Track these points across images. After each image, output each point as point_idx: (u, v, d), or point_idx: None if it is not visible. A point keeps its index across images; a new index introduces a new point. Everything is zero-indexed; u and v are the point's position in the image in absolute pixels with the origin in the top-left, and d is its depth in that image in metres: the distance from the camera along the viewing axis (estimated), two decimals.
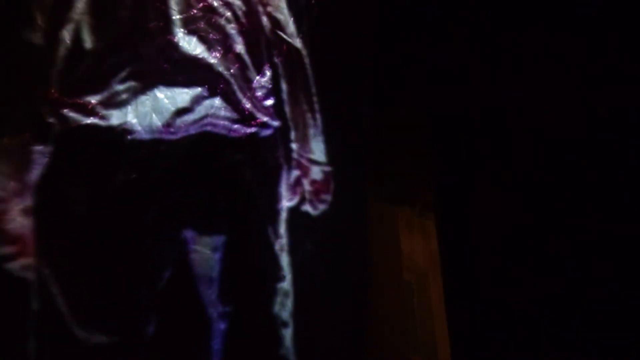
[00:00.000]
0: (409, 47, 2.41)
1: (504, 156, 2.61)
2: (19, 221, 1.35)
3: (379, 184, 2.35)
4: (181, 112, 1.41)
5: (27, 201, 1.36)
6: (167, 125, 1.39)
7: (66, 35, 1.39)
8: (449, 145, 2.68)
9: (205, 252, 1.50)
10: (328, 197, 1.68)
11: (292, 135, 1.63)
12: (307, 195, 1.64)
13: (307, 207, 1.64)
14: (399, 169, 2.49)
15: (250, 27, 1.55)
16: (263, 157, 1.54)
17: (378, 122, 2.27)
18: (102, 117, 1.38)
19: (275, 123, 1.57)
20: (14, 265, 1.34)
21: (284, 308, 1.56)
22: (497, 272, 2.49)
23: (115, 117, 1.39)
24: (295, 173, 1.62)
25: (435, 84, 2.56)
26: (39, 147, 1.37)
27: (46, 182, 1.37)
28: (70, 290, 1.38)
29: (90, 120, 1.38)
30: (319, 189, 1.67)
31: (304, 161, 1.64)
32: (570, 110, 2.42)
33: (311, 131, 1.65)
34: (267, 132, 1.54)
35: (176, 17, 1.45)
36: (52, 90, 1.38)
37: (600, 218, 2.36)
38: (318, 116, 1.66)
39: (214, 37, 1.48)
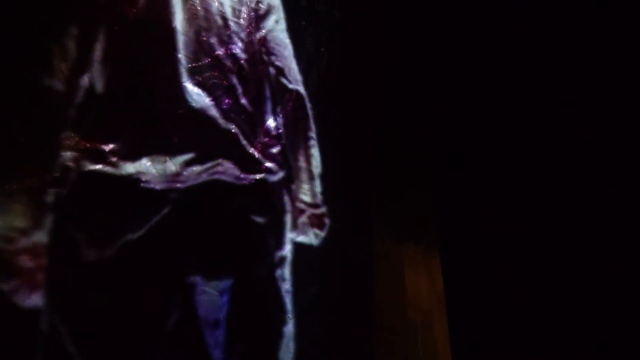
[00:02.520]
0: (415, 91, 2.49)
1: (510, 195, 2.63)
2: (27, 259, 1.37)
3: (384, 222, 2.38)
4: (193, 158, 1.46)
5: (37, 240, 1.38)
6: (179, 172, 1.43)
7: (85, 81, 1.44)
8: (454, 184, 2.72)
9: (212, 294, 1.52)
10: (322, 233, 1.73)
11: (292, 178, 1.69)
12: (302, 227, 1.69)
13: (304, 238, 1.70)
14: (404, 207, 2.52)
15: (256, 77, 1.62)
16: (270, 203, 1.58)
17: (384, 162, 2.32)
18: (117, 163, 1.41)
19: (282, 169, 1.62)
20: (20, 299, 1.36)
21: (289, 351, 1.57)
22: (503, 312, 2.49)
23: (129, 162, 1.42)
24: (296, 215, 1.68)
25: (439, 125, 2.61)
26: (55, 190, 1.40)
27: (59, 226, 1.40)
28: (78, 332, 1.39)
29: (106, 165, 1.41)
30: (313, 223, 1.72)
31: (299, 203, 1.69)
32: (573, 146, 2.45)
33: (307, 175, 1.70)
34: (274, 178, 1.59)
35: (188, 66, 1.50)
36: (72, 135, 1.41)
37: (602, 249, 2.36)
38: (317, 159, 1.72)
39: (223, 87, 1.54)
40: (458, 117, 2.52)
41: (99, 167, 1.41)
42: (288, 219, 1.64)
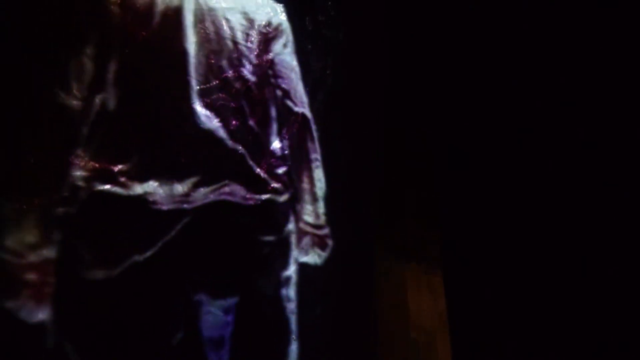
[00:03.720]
0: (416, 111, 2.52)
1: (513, 213, 2.64)
2: (35, 275, 1.38)
3: (386, 242, 2.39)
4: (200, 179, 1.48)
5: (46, 257, 1.40)
6: (187, 193, 1.45)
7: (96, 102, 1.46)
8: (456, 202, 2.73)
9: (217, 313, 1.54)
10: (324, 254, 1.75)
11: (297, 198, 1.71)
12: (305, 247, 1.71)
13: (308, 258, 1.71)
14: (407, 226, 2.53)
15: (263, 99, 1.65)
16: (276, 223, 1.60)
17: (386, 182, 2.34)
18: (126, 183, 1.43)
19: (288, 190, 1.64)
20: (26, 315, 1.37)
21: None
22: (507, 333, 2.48)
23: (137, 183, 1.43)
24: (299, 235, 1.70)
25: (441, 145, 2.64)
26: (64, 209, 1.42)
27: (67, 244, 1.42)
28: (84, 350, 1.40)
29: (114, 185, 1.43)
30: (315, 244, 1.74)
31: (302, 224, 1.72)
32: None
33: (311, 196, 1.73)
34: (280, 199, 1.61)
35: (197, 88, 1.52)
36: (82, 155, 1.43)
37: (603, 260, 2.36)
38: (322, 181, 1.75)
39: (231, 108, 1.56)
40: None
41: (107, 187, 1.42)
42: (293, 239, 1.66)
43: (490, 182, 2.60)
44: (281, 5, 1.81)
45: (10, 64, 1.56)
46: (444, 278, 2.49)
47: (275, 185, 1.60)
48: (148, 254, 1.40)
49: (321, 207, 1.75)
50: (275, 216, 1.59)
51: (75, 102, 1.44)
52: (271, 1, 1.80)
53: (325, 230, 1.76)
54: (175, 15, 1.53)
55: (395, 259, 2.34)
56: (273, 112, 1.68)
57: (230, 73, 1.59)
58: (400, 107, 2.36)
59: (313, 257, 1.73)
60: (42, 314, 1.39)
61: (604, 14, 2.29)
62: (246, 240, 1.54)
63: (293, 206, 1.68)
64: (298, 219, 1.71)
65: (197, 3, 1.57)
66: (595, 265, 2.37)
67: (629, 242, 2.26)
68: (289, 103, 1.71)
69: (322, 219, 1.75)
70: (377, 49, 2.25)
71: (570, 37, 2.39)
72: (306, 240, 1.72)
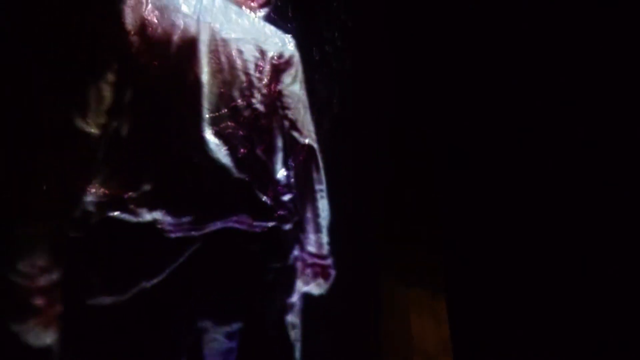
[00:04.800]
0: (421, 141, 2.54)
1: (516, 238, 2.64)
2: (43, 299, 1.40)
3: (390, 268, 2.40)
4: (208, 207, 1.50)
5: (54, 281, 1.41)
6: (194, 220, 1.47)
7: (109, 130, 1.48)
8: (459, 227, 2.73)
9: (221, 339, 1.54)
10: (327, 284, 1.76)
11: (302, 227, 1.73)
12: (308, 277, 1.72)
13: (311, 287, 1.72)
14: (410, 252, 2.54)
15: (271, 128, 1.68)
16: (281, 250, 1.62)
17: (389, 206, 2.36)
18: (135, 210, 1.45)
19: (294, 217, 1.66)
20: (33, 338, 1.38)
21: None
22: (510, 358, 2.46)
23: (146, 210, 1.45)
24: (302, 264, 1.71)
25: (445, 173, 2.65)
26: (74, 235, 1.44)
27: (76, 270, 1.43)
28: None
29: (123, 212, 1.45)
30: (318, 273, 1.75)
31: (305, 254, 1.73)
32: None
33: (314, 226, 1.74)
34: (286, 226, 1.63)
35: (206, 116, 1.55)
36: (93, 181, 1.45)
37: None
38: (326, 211, 1.76)
39: (239, 137, 1.59)
40: (466, 165, 2.55)
41: (117, 213, 1.44)
42: (298, 266, 1.68)
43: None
44: (289, 35, 1.85)
45: (23, 88, 1.60)
46: (447, 304, 2.48)
47: (281, 212, 1.62)
48: (155, 280, 1.41)
49: (324, 237, 1.76)
50: (280, 243, 1.61)
51: (89, 129, 1.47)
52: (279, 32, 1.84)
53: (329, 261, 1.76)
54: (189, 46, 1.56)
55: (399, 285, 2.34)
56: (280, 141, 1.71)
57: (239, 102, 1.62)
58: (406, 124, 2.37)
59: (316, 287, 1.74)
60: (49, 338, 1.40)
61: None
62: (252, 267, 1.55)
63: (298, 234, 1.70)
64: (301, 248, 1.72)
65: (211, 34, 1.60)
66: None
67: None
68: (295, 134, 1.74)
69: (326, 249, 1.76)
70: (382, 75, 2.28)
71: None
72: (309, 270, 1.73)
